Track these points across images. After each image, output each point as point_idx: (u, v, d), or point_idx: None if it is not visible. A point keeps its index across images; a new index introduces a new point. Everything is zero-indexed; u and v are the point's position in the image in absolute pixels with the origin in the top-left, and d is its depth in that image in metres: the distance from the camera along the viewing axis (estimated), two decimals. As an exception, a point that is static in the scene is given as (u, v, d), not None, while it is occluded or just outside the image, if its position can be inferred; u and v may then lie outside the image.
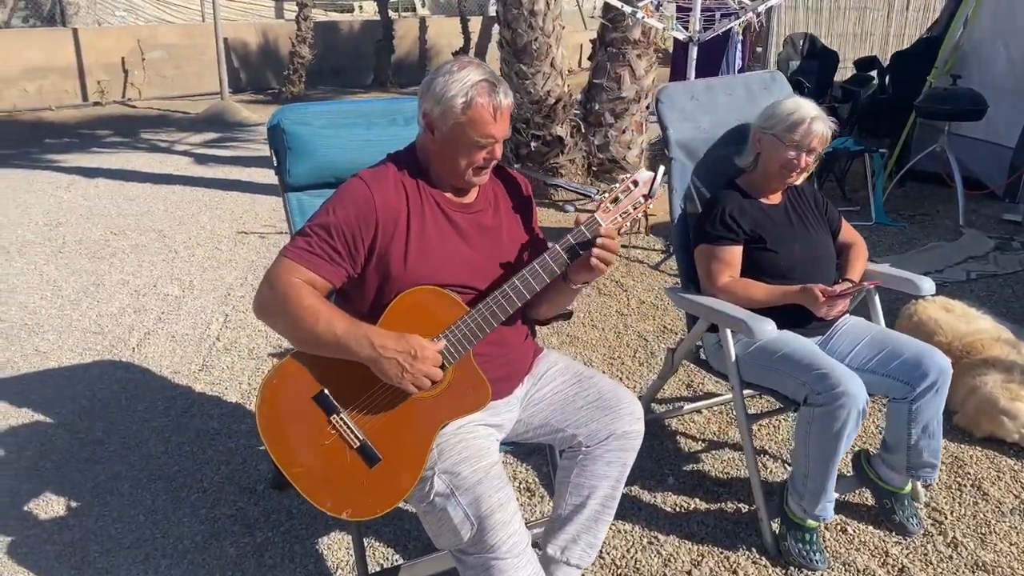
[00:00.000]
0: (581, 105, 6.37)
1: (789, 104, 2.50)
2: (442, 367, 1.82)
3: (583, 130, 6.28)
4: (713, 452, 2.93)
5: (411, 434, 1.83)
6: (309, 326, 1.77)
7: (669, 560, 2.37)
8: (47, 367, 3.60)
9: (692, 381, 3.44)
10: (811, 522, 2.34)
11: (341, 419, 1.81)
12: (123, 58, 11.62)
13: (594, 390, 2.07)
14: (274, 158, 2.42)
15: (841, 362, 2.32)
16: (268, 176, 2.35)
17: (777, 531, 2.41)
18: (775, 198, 2.60)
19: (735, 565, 2.35)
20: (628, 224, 1.97)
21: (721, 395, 3.29)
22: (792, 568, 2.33)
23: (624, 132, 6.24)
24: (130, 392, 3.36)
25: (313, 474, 1.80)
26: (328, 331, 1.76)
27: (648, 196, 1.97)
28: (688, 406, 3.14)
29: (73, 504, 2.64)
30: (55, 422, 3.12)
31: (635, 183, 1.96)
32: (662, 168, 2.00)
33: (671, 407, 3.22)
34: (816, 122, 2.45)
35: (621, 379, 3.47)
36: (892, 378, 2.33)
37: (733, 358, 2.43)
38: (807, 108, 2.47)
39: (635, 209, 1.96)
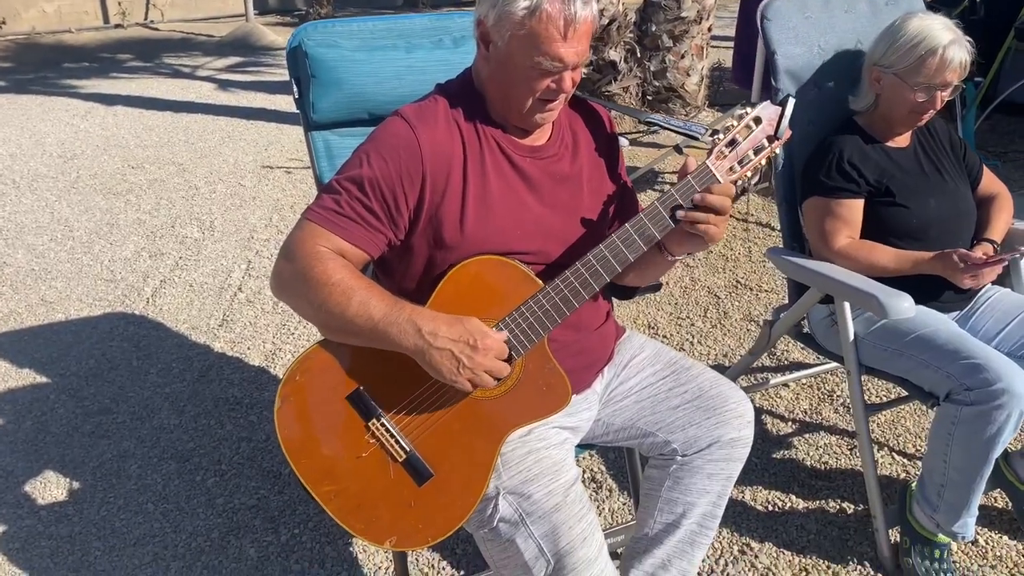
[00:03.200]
0: (636, 27, 5.78)
1: (913, 29, 1.97)
2: (508, 359, 1.42)
3: (638, 54, 5.71)
4: (806, 436, 2.52)
5: (470, 444, 1.44)
6: (339, 308, 1.36)
7: (767, 576, 2.00)
8: (53, 319, 3.26)
9: (773, 346, 3.00)
10: (942, 537, 1.94)
11: (382, 425, 1.42)
12: (144, -23, 11.07)
13: (693, 385, 1.65)
14: (295, 88, 1.99)
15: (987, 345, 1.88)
16: (294, 104, 1.92)
17: (896, 542, 2.02)
18: (902, 140, 2.12)
19: (846, 584, 1.97)
20: (747, 175, 1.53)
21: (811, 365, 2.86)
22: (917, 590, 1.95)
23: (683, 57, 5.66)
24: (143, 351, 3.02)
25: (348, 494, 1.42)
26: (363, 315, 1.36)
27: (775, 137, 1.52)
28: (773, 379, 2.73)
29: (75, 487, 2.31)
30: (59, 386, 2.79)
31: (757, 120, 1.51)
32: (791, 100, 1.54)
33: (752, 380, 2.81)
34: (951, 48, 1.94)
35: (692, 343, 3.05)
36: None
37: (851, 338, 1.99)
38: (937, 32, 1.95)
39: (757, 155, 1.51)
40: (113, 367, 2.91)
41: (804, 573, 2.00)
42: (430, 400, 1.43)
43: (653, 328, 3.16)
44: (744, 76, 4.80)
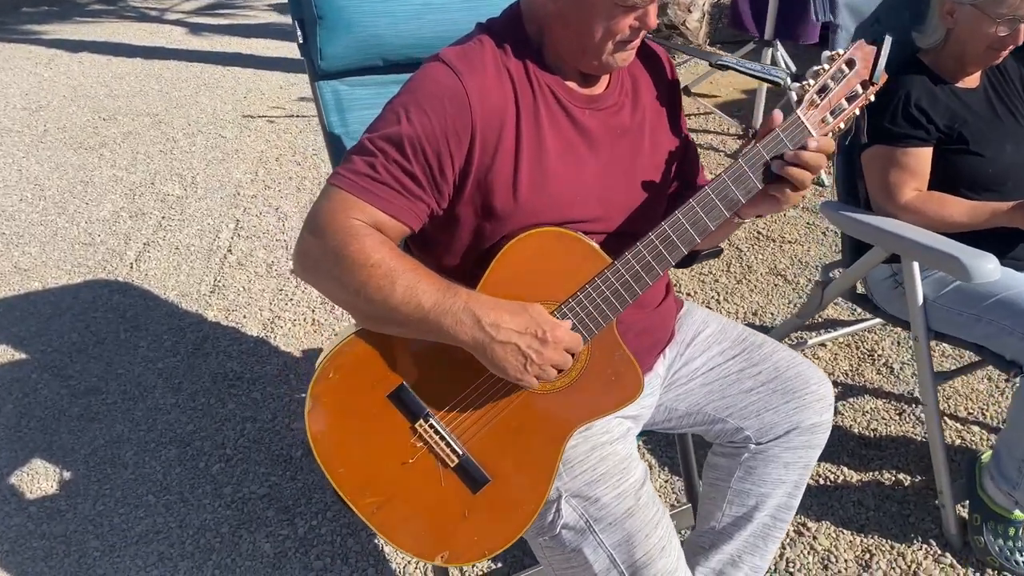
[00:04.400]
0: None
1: None
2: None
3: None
4: (850, 400, 2.37)
5: (529, 445, 1.26)
6: (381, 294, 1.16)
7: (828, 559, 1.85)
8: (30, 289, 3.01)
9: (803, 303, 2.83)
10: (1019, 514, 1.80)
11: (430, 426, 1.23)
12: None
13: (767, 365, 1.47)
14: (299, 32, 1.73)
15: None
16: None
17: (962, 517, 1.88)
18: (971, 81, 1.92)
19: (913, 565, 1.83)
20: (839, 127, 1.33)
21: (847, 322, 2.70)
22: (990, 570, 1.81)
23: (683, -7, 5.39)
24: (130, 322, 2.79)
25: (393, 506, 1.23)
26: (410, 302, 1.16)
27: (870, 82, 1.32)
28: (812, 338, 2.56)
29: (66, 477, 2.11)
30: (41, 363, 2.57)
31: (849, 63, 1.31)
32: (888, 39, 1.33)
33: (787, 340, 2.65)
34: None
35: (718, 301, 2.88)
36: None
37: (920, 301, 1.82)
38: None
39: (851, 102, 1.31)
40: (99, 341, 2.69)
41: (868, 555, 1.86)
42: (483, 396, 1.24)
43: (676, 287, 2.98)
44: (744, 17, 4.57)
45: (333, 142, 1.72)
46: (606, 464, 1.30)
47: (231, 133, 4.59)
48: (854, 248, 2.07)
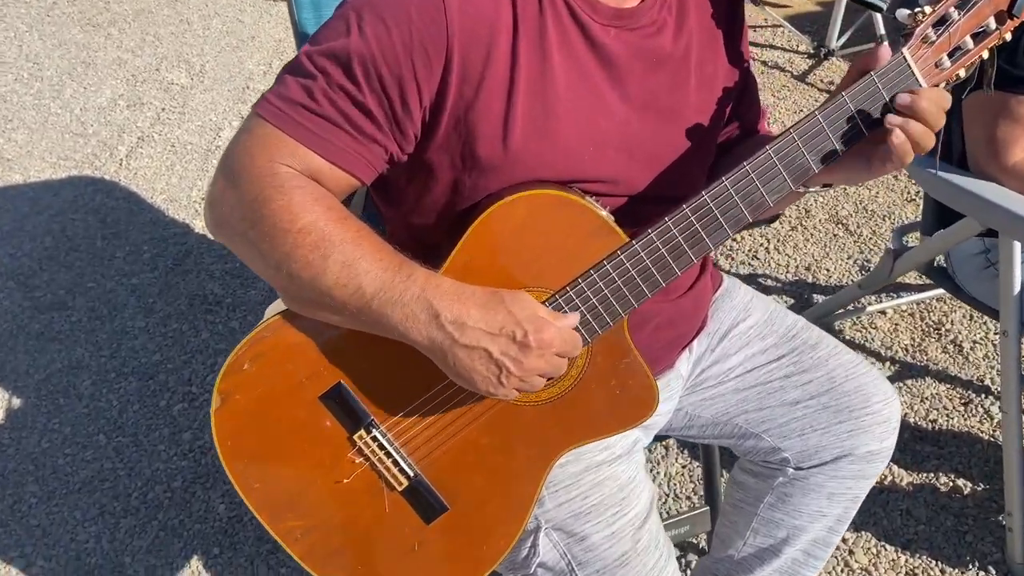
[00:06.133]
0: None
1: None
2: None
3: None
4: (908, 382, 2.05)
5: (503, 467, 0.98)
6: (310, 271, 0.86)
7: (866, 581, 1.58)
8: (10, 182, 2.77)
9: (866, 259, 2.48)
10: (1104, 552, 1.51)
11: (374, 439, 0.95)
12: None
13: (821, 373, 1.16)
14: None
15: None
16: None
17: (1032, 546, 1.59)
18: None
19: (967, 597, 1.56)
20: (959, 74, 0.97)
21: (912, 287, 2.35)
22: (1059, 613, 1.53)
23: None
24: (109, 227, 2.54)
25: (322, 532, 0.97)
26: (348, 284, 0.86)
27: (1008, 15, 0.95)
28: (871, 305, 2.22)
29: (14, 405, 1.90)
30: (8, 270, 2.34)
31: (978, -9, 0.94)
32: None
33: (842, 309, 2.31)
34: None
35: (767, 250, 2.53)
36: None
37: (1017, 288, 1.48)
38: None
39: (978, 42, 0.95)
40: (73, 247, 2.44)
41: (913, 580, 1.59)
42: (446, 403, 0.96)
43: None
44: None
45: (303, 44, 1.39)
46: (601, 491, 1.03)
47: (250, 18, 4.21)
48: (938, 214, 1.70)
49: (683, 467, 1.81)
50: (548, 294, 0.92)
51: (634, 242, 0.92)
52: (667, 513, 1.65)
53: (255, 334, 0.92)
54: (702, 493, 1.72)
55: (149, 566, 1.58)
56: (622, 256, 0.92)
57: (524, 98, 0.91)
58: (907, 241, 1.86)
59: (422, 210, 1.00)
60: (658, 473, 1.79)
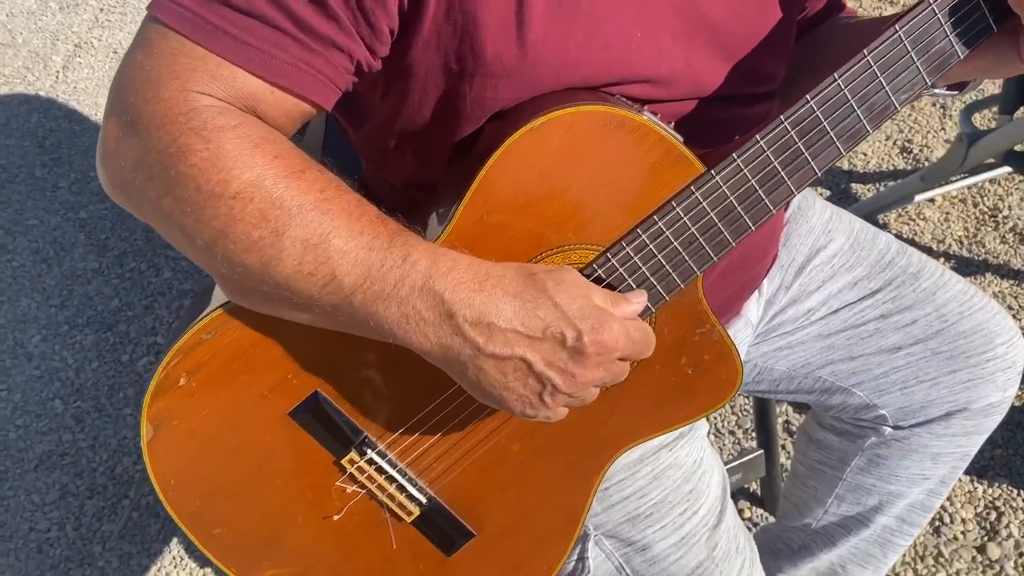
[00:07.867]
0: None
1: None
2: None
3: None
4: (966, 280, 1.81)
5: (542, 478, 0.75)
6: (257, 254, 0.59)
7: (940, 519, 1.39)
8: (-70, 105, 2.43)
9: (907, 139, 2.20)
10: None
11: (369, 461, 0.71)
12: None
13: (929, 311, 0.92)
14: None
15: None
16: None
17: None
18: None
19: (1055, 531, 1.37)
20: None
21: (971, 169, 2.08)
22: None
23: None
24: (50, 153, 2.23)
25: None
26: (313, 271, 0.59)
27: None
28: (920, 195, 1.96)
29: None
30: (-65, 209, 2.05)
31: None
32: None
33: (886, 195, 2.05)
34: None
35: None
36: None
37: None
38: None
39: None
40: (10, 179, 2.14)
41: (995, 514, 1.39)
42: (462, 408, 0.71)
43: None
44: None
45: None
46: (662, 485, 0.80)
47: None
48: (1019, 87, 1.43)
49: (731, 406, 1.59)
50: (597, 251, 0.66)
51: (712, 172, 0.65)
52: (722, 434, 1.45)
53: (191, 336, 0.66)
54: (747, 426, 1.52)
55: (123, 554, 1.38)
56: (697, 194, 0.65)
57: (545, -24, 0.63)
58: (977, 122, 1.59)
59: (406, 143, 0.72)
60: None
